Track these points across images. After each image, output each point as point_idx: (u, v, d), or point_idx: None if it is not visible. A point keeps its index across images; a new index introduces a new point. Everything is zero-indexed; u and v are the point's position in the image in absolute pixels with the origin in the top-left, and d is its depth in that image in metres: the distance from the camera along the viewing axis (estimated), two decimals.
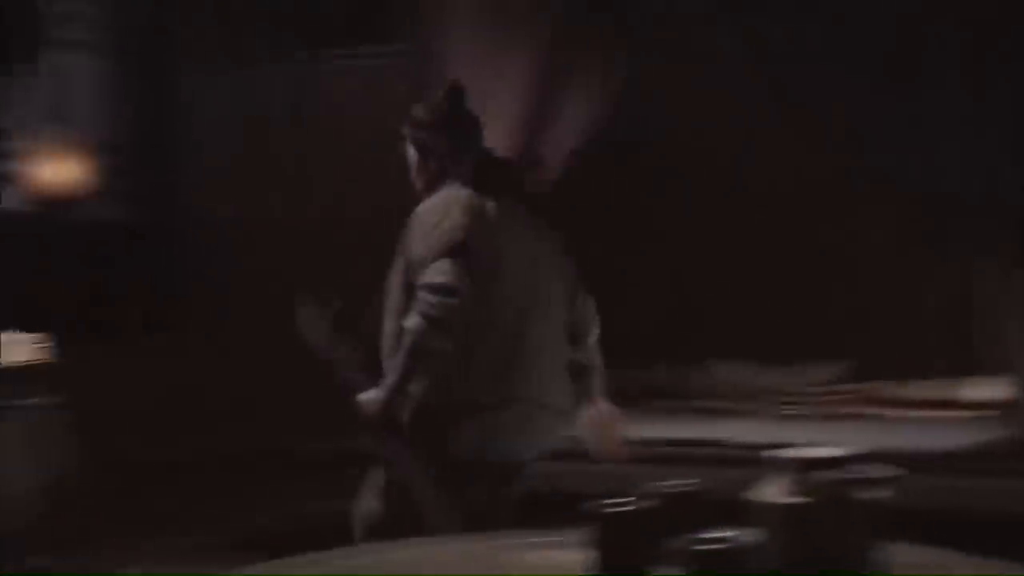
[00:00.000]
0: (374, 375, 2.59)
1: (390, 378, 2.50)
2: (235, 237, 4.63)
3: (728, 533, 1.16)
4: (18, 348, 3.79)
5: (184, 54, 4.83)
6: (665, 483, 1.38)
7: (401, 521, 2.46)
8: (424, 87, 4.01)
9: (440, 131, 2.63)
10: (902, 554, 1.27)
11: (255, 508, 4.35)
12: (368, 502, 2.60)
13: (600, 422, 2.61)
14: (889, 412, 4.03)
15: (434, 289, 2.43)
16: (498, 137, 3.82)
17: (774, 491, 1.18)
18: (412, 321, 2.44)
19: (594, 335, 2.62)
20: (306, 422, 4.51)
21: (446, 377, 2.48)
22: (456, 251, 2.46)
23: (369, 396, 2.54)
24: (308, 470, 4.48)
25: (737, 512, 1.16)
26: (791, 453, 1.18)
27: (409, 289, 2.49)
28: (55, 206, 4.37)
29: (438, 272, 2.44)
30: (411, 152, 2.65)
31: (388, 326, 2.55)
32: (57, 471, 4.12)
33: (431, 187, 2.61)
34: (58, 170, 4.35)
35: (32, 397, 3.75)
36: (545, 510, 2.99)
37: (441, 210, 2.54)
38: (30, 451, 4.16)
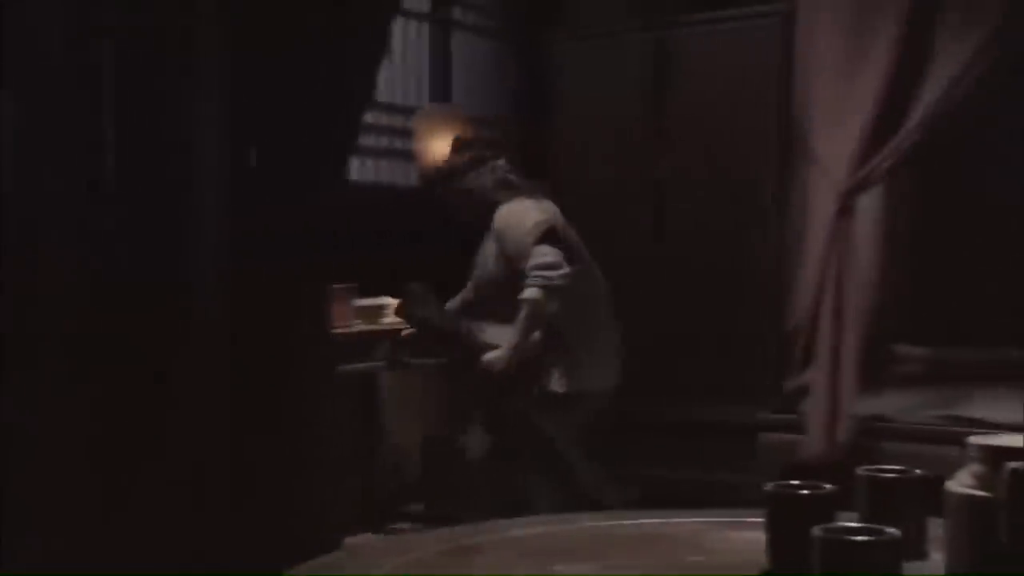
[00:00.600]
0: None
1: (513, 338, 3.37)
2: (604, 204, 4.79)
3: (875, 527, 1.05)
4: None
5: (556, 24, 5.07)
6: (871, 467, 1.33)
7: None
8: (789, 51, 3.97)
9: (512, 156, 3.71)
10: None
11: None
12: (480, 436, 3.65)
13: None
14: None
15: (544, 267, 3.33)
16: (861, 109, 3.72)
17: (964, 479, 1.11)
18: (530, 292, 3.33)
19: None
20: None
21: (551, 332, 3.38)
22: (549, 237, 3.39)
23: (495, 355, 3.41)
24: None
25: None
26: (987, 439, 1.10)
27: (512, 272, 3.40)
28: (442, 181, 4.70)
29: (542, 254, 3.34)
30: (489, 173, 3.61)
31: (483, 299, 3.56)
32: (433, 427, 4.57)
33: (508, 198, 3.54)
34: (444, 145, 4.65)
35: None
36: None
37: (522, 212, 3.47)
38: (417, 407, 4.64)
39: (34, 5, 2.50)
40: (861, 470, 1.26)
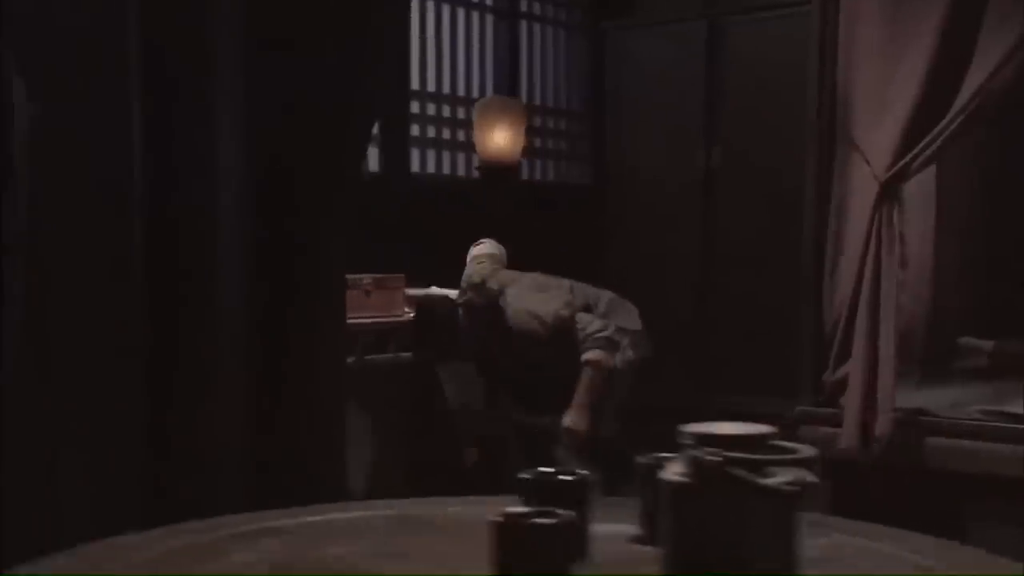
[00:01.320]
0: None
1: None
2: (656, 192, 4.81)
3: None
4: None
5: (620, 14, 5.09)
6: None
7: None
8: (827, 44, 3.90)
9: None
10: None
11: None
12: None
13: None
14: None
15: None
16: (903, 97, 3.64)
17: (676, 467, 1.13)
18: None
19: None
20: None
21: None
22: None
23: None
24: None
25: None
26: (701, 427, 1.12)
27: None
28: (503, 171, 4.78)
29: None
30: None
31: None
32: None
33: None
34: (505, 136, 4.73)
35: None
36: None
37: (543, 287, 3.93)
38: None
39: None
40: (640, 458, 1.29)
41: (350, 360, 4.02)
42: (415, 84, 4.87)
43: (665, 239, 4.73)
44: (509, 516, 1.03)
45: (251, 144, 2.92)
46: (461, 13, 5.07)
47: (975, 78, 3.60)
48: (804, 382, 3.96)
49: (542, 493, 1.16)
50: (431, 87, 4.95)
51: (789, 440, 3.45)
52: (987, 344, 4.42)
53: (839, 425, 3.74)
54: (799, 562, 1.07)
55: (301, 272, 3.11)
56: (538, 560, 0.98)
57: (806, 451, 1.08)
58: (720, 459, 1.02)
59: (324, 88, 3.06)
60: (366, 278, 4.12)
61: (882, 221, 3.76)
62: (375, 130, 4.71)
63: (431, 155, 4.98)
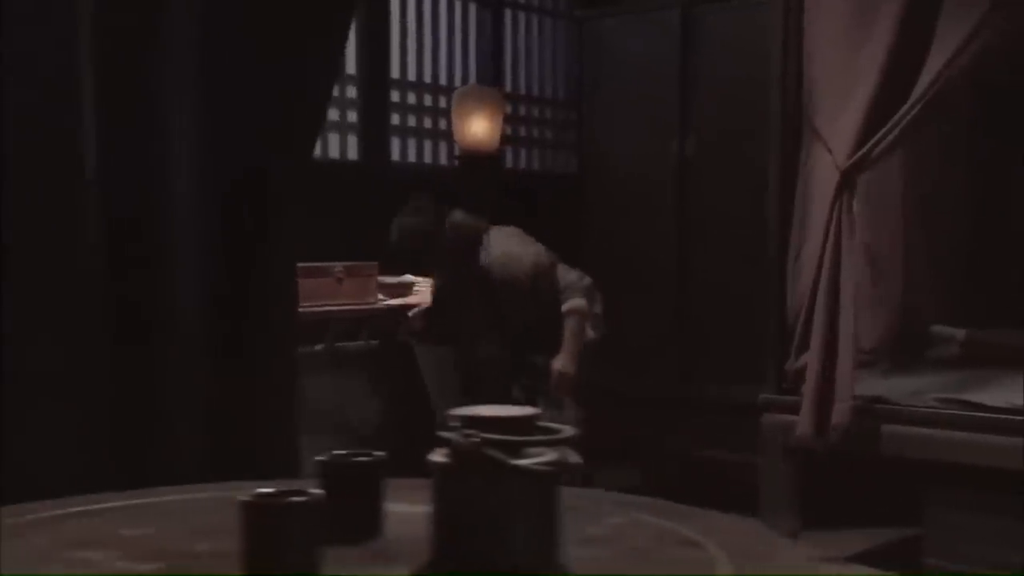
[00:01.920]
0: None
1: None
2: (631, 180, 4.83)
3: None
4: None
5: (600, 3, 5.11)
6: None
7: None
8: (791, 34, 3.91)
9: None
10: None
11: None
12: None
13: None
14: None
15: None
16: (863, 85, 3.65)
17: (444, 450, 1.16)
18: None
19: None
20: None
21: None
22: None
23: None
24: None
25: None
26: (465, 410, 1.15)
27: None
28: (481, 160, 4.80)
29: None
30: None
31: None
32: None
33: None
34: (483, 125, 4.77)
35: None
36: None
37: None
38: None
39: None
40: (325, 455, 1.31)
41: (319, 347, 4.09)
42: (395, 73, 4.91)
43: (642, 228, 4.77)
44: (256, 496, 1.07)
45: (205, 133, 2.97)
46: (443, 1, 5.11)
47: (933, 66, 3.60)
48: (768, 370, 3.99)
49: (338, 475, 1.21)
50: (412, 76, 5.00)
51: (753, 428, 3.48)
52: (959, 332, 4.42)
53: (800, 413, 3.76)
54: (558, 540, 1.11)
55: (254, 259, 3.15)
56: (283, 540, 1.03)
57: (568, 432, 1.12)
58: (477, 440, 1.06)
59: (276, 75, 3.09)
60: (338, 266, 4.17)
61: (842, 210, 3.77)
62: (355, 119, 4.77)
63: (412, 144, 5.02)
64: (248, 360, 3.15)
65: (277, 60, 3.07)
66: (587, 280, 3.85)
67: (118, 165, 2.87)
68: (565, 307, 3.78)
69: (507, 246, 3.87)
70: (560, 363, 3.77)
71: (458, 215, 3.94)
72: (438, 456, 1.12)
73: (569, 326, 3.78)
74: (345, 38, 3.31)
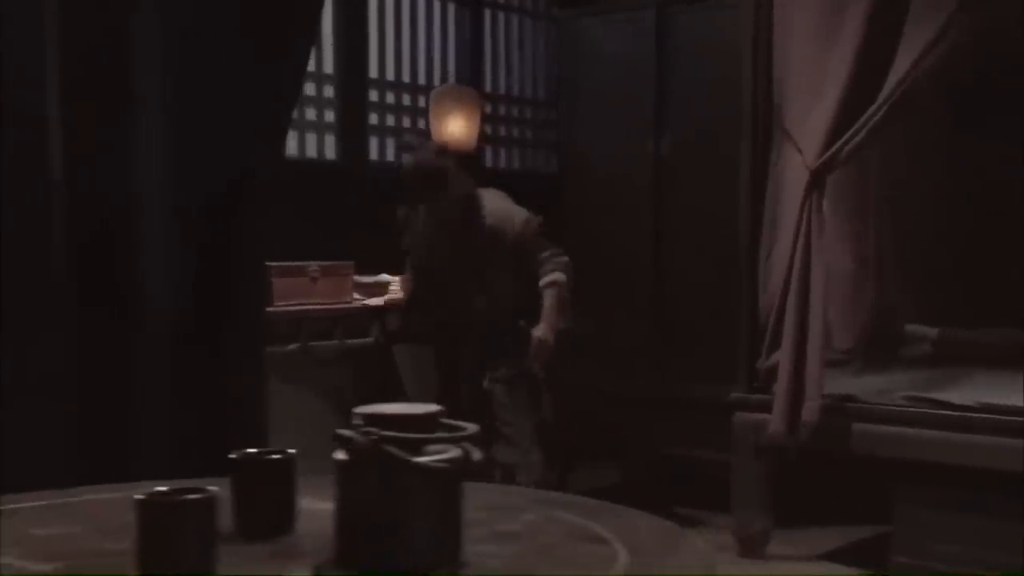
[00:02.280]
0: None
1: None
2: (607, 181, 4.84)
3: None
4: None
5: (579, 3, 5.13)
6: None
7: None
8: (761, 35, 3.93)
9: None
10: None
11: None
12: None
13: None
14: None
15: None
16: (832, 86, 3.66)
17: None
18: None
19: None
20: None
21: None
22: None
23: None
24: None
25: None
26: (367, 408, 1.17)
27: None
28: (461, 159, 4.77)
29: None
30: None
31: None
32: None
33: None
34: (460, 124, 4.78)
35: None
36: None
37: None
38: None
39: None
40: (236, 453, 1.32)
41: (293, 347, 4.10)
42: (374, 72, 4.92)
43: (620, 226, 4.78)
44: (149, 495, 1.09)
45: (174, 132, 2.98)
46: (421, 1, 5.12)
47: (900, 67, 3.62)
48: (739, 369, 4.01)
49: (248, 472, 1.22)
50: (390, 75, 5.01)
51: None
52: (932, 331, 4.43)
53: (771, 411, 3.78)
54: (459, 537, 1.12)
55: (223, 258, 3.16)
56: (175, 538, 1.04)
57: (471, 429, 1.14)
58: (375, 438, 1.08)
59: (245, 76, 3.10)
60: (312, 265, 4.18)
61: (812, 209, 3.79)
62: (333, 118, 4.78)
63: (390, 143, 5.04)
64: (217, 358, 3.17)
65: (246, 60, 3.09)
66: (566, 257, 3.83)
67: (86, 165, 2.88)
68: (546, 279, 3.76)
69: (499, 203, 3.86)
70: (540, 331, 3.75)
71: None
72: (340, 454, 1.13)
73: (549, 296, 3.76)
74: (314, 38, 3.33)
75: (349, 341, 4.29)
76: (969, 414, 3.46)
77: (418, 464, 1.07)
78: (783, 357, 3.77)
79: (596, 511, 1.33)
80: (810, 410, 3.69)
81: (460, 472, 1.12)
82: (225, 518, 1.24)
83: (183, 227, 3.03)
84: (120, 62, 2.91)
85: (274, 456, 1.30)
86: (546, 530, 1.27)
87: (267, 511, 1.23)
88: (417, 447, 1.09)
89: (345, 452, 1.11)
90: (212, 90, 3.03)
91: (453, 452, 1.12)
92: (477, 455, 1.13)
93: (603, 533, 1.23)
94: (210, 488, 1.10)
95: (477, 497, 1.28)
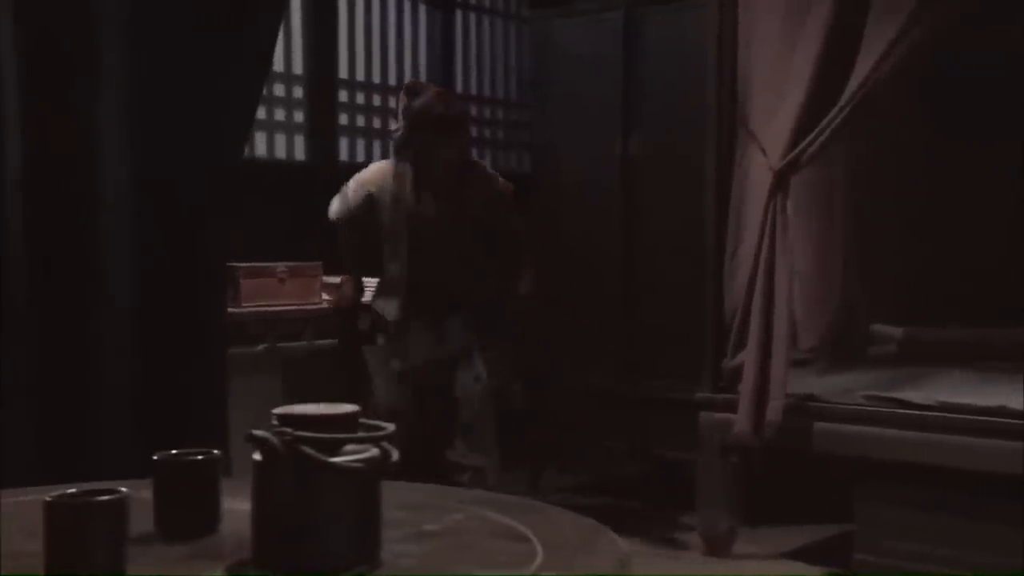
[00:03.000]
0: None
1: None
2: (577, 182, 4.85)
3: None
4: None
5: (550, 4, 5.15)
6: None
7: None
8: (726, 36, 3.95)
9: None
10: None
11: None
12: None
13: None
14: None
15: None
16: (796, 88, 3.69)
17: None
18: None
19: None
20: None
21: None
22: None
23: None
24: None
25: None
26: (284, 409, 1.18)
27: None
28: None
29: None
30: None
31: None
32: None
33: None
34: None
35: None
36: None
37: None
38: None
39: None
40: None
41: (261, 347, 4.10)
42: (343, 73, 4.93)
43: (590, 226, 4.80)
44: (56, 496, 1.10)
45: (133, 133, 2.97)
46: (392, 2, 5.13)
47: (861, 70, 3.65)
48: (705, 368, 4.02)
49: (170, 473, 1.23)
50: (360, 76, 5.02)
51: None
52: (897, 331, 4.46)
53: (736, 411, 3.80)
54: (377, 537, 1.13)
55: (182, 260, 3.16)
56: (81, 540, 1.04)
57: (389, 429, 1.15)
58: (290, 438, 1.09)
59: (205, 76, 3.10)
60: (280, 266, 4.18)
61: (776, 209, 3.81)
62: (302, 119, 4.79)
63: (360, 144, 5.04)
64: (179, 359, 3.16)
65: (209, 58, 3.08)
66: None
67: (45, 166, 2.87)
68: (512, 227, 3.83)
69: (486, 174, 3.87)
70: (524, 286, 3.82)
71: None
72: (256, 455, 1.14)
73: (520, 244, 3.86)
74: (275, 38, 3.32)
75: (318, 342, 4.29)
76: (929, 413, 3.49)
77: (333, 464, 1.08)
78: (748, 357, 3.79)
79: (521, 509, 1.34)
80: (774, 410, 3.71)
81: (377, 472, 1.13)
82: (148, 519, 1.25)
83: (145, 227, 3.03)
84: (80, 60, 2.90)
85: (196, 457, 1.30)
86: (468, 529, 1.29)
87: (188, 512, 1.24)
88: (334, 447, 1.10)
89: (260, 453, 1.12)
90: (174, 88, 3.02)
91: (371, 452, 1.12)
92: (395, 455, 1.14)
93: (525, 531, 1.25)
94: (121, 489, 1.11)
95: (403, 497, 1.29)
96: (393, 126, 3.99)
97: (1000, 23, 4.37)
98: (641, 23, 4.70)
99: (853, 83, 3.68)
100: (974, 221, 4.66)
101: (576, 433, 4.85)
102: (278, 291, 4.17)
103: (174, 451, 1.32)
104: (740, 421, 3.76)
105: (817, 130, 3.75)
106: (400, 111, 3.80)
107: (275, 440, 1.08)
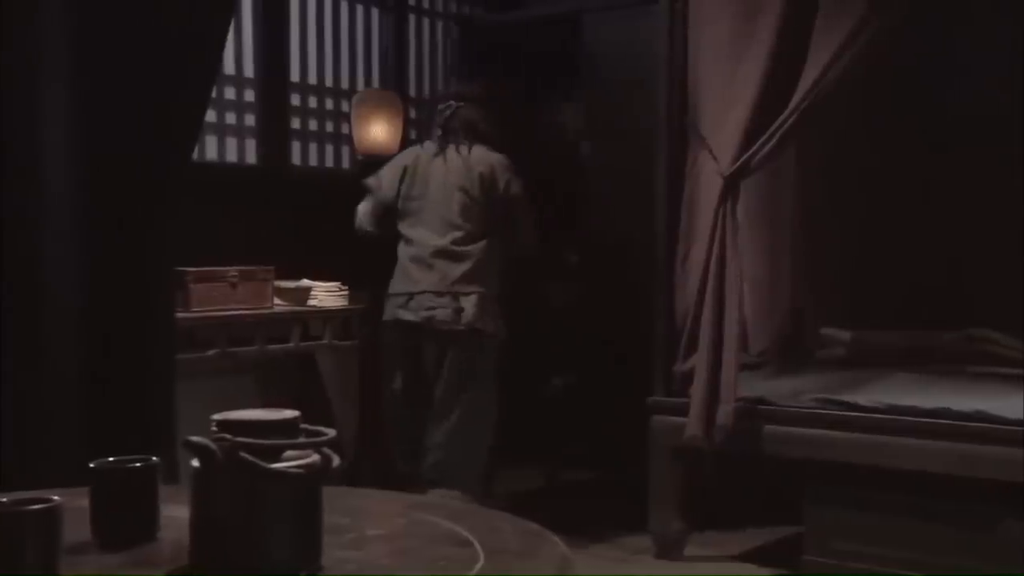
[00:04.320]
0: None
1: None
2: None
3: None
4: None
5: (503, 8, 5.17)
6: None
7: None
8: (676, 42, 3.98)
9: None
10: None
11: None
12: None
13: None
14: None
15: None
16: (745, 94, 3.72)
17: None
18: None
19: None
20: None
21: None
22: None
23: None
24: None
25: None
26: (224, 415, 1.17)
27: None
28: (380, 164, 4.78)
29: None
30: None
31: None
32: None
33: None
34: (382, 129, 4.77)
35: None
36: None
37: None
38: None
39: None
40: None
41: (213, 352, 4.06)
42: (295, 76, 4.90)
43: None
44: None
45: (78, 137, 2.94)
46: (344, 6, 5.11)
47: (808, 76, 3.69)
48: (656, 373, 4.05)
49: (108, 480, 1.22)
50: (312, 79, 4.99)
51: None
52: (845, 335, 4.51)
53: (687, 415, 3.82)
54: (318, 543, 1.13)
55: (129, 264, 3.13)
56: (11, 549, 1.03)
57: (330, 433, 1.14)
58: (229, 445, 1.08)
59: (152, 79, 3.07)
60: (232, 270, 4.15)
61: (726, 215, 3.84)
62: (253, 122, 4.75)
63: (312, 148, 5.02)
64: (126, 365, 3.13)
65: (155, 60, 3.05)
66: None
67: None
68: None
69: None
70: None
71: None
72: (194, 461, 1.13)
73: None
74: (224, 40, 3.30)
75: (269, 347, 4.26)
76: (875, 415, 3.53)
77: (272, 470, 1.08)
78: (699, 361, 3.82)
79: (465, 515, 1.35)
80: (725, 413, 3.74)
81: (318, 477, 1.12)
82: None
83: (91, 231, 2.99)
84: (22, 60, 2.87)
85: (133, 464, 1.29)
86: (411, 534, 1.28)
87: (125, 520, 1.22)
88: (274, 453, 1.09)
89: (199, 460, 1.12)
90: (120, 90, 2.99)
91: (312, 458, 1.12)
92: (337, 460, 1.13)
93: (468, 536, 1.25)
94: (54, 498, 1.10)
95: (346, 503, 1.29)
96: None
97: (945, 27, 4.45)
98: (591, 27, 4.72)
99: (801, 88, 3.72)
100: (918, 227, 4.73)
101: (525, 437, 4.86)
102: (229, 295, 4.14)
103: (112, 458, 1.30)
104: (691, 424, 3.79)
105: (766, 136, 3.78)
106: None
107: (213, 447, 1.07)
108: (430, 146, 4.13)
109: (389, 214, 4.11)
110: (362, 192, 4.24)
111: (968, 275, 4.57)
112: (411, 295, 3.96)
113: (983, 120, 4.54)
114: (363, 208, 4.17)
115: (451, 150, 4.03)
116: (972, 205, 4.62)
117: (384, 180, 4.14)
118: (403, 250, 4.05)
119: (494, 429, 3.99)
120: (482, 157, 3.99)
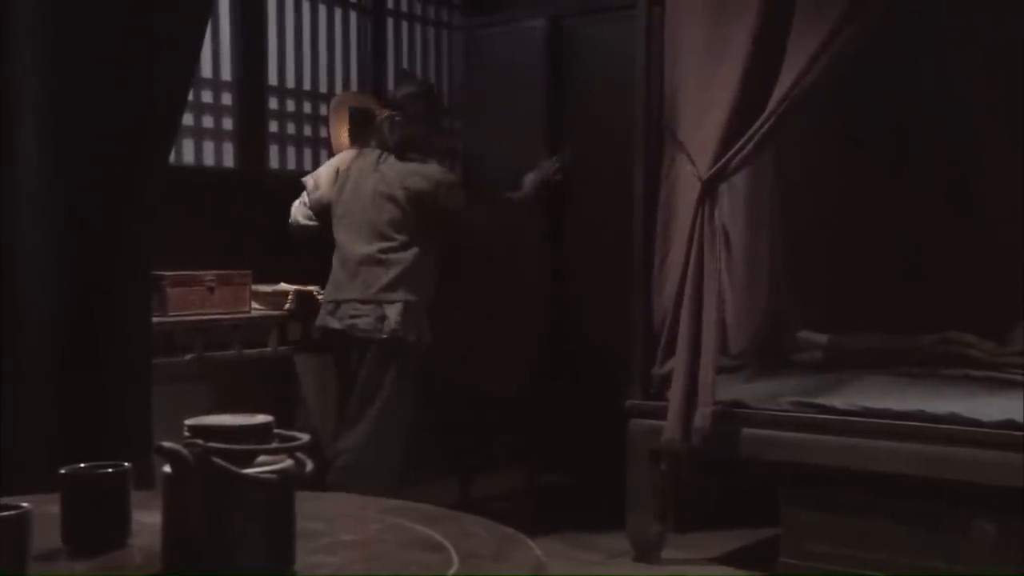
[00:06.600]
0: None
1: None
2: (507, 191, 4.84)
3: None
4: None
5: (483, 11, 5.16)
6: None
7: None
8: (654, 46, 3.99)
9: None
10: None
11: None
12: None
13: None
14: None
15: None
16: (721, 98, 3.73)
17: None
18: None
19: None
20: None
21: None
22: None
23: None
24: None
25: None
26: (197, 420, 1.17)
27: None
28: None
29: None
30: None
31: None
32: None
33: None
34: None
35: None
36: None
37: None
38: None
39: None
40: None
41: (190, 356, 4.04)
42: (273, 80, 4.89)
43: (518, 234, 4.80)
44: None
45: (52, 140, 2.92)
46: (323, 9, 5.10)
47: (784, 80, 3.70)
48: (634, 376, 4.05)
49: (78, 487, 1.21)
50: (290, 83, 4.98)
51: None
52: (822, 338, 4.54)
53: (665, 418, 3.83)
54: (290, 548, 1.13)
55: (104, 269, 3.11)
56: None
57: (303, 439, 1.14)
58: (201, 450, 1.07)
59: (127, 82, 3.05)
60: (209, 274, 4.13)
61: (704, 218, 3.85)
62: (231, 126, 4.74)
63: (291, 151, 5.01)
64: (101, 370, 3.11)
65: (129, 62, 3.03)
66: None
67: None
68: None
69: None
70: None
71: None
72: (165, 467, 1.13)
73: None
74: (200, 42, 3.29)
75: (247, 351, 4.24)
76: (850, 418, 3.55)
77: (244, 475, 1.07)
78: (677, 364, 3.83)
79: (439, 519, 1.35)
80: (703, 416, 3.75)
81: (291, 483, 1.12)
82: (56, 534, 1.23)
83: (65, 234, 2.97)
84: None
85: (105, 470, 1.28)
86: (385, 539, 1.28)
87: (96, 526, 1.21)
88: (246, 459, 1.09)
89: (170, 465, 1.11)
90: (95, 93, 2.97)
91: (285, 463, 1.12)
92: (310, 465, 1.13)
93: (442, 541, 1.25)
94: (23, 504, 1.09)
95: (320, 508, 1.29)
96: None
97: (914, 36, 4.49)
98: (569, 32, 4.73)
99: (778, 92, 3.74)
100: (893, 231, 4.76)
101: (496, 441, 4.86)
102: (206, 300, 4.12)
103: (83, 464, 1.30)
104: (669, 427, 3.80)
105: (743, 140, 3.80)
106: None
107: (185, 452, 1.07)
108: (369, 153, 4.15)
109: (325, 212, 4.17)
110: None
111: (943, 279, 4.59)
112: (338, 303, 4.00)
113: (959, 123, 4.57)
114: (297, 205, 4.27)
115: (389, 160, 4.05)
116: (948, 209, 4.65)
117: (321, 180, 4.22)
118: (335, 255, 4.10)
119: (407, 436, 3.99)
120: (418, 170, 4.01)
